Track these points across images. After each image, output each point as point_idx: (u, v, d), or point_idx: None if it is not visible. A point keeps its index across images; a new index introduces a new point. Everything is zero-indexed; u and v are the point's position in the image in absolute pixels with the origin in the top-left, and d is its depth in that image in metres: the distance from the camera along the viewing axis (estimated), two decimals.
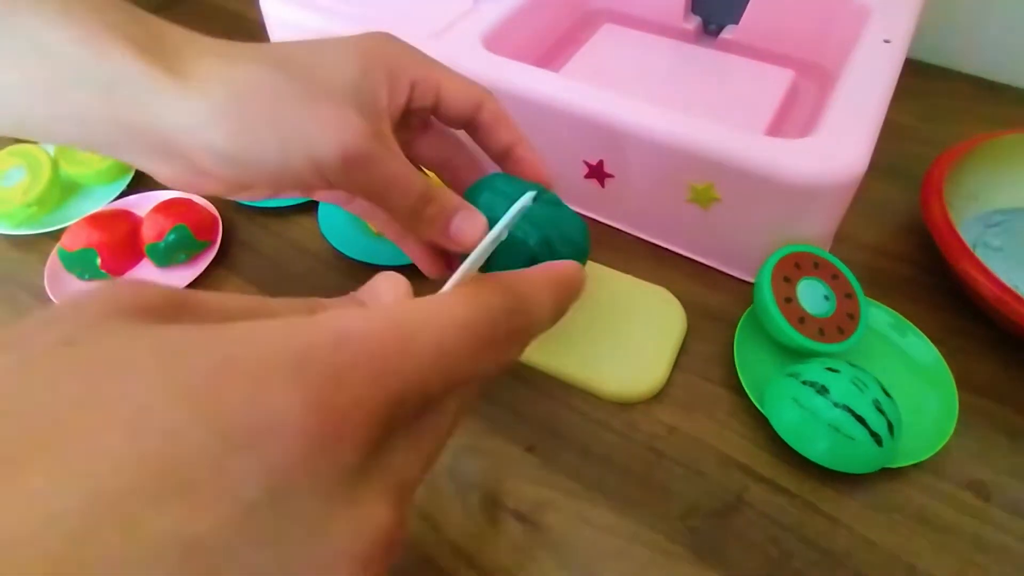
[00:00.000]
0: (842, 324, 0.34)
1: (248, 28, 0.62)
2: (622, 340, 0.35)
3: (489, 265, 0.27)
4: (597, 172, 0.40)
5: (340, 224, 0.42)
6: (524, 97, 0.39)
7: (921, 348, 0.35)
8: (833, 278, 0.35)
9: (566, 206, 0.28)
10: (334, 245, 0.40)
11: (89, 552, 0.09)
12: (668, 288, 0.38)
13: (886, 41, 0.40)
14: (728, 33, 0.51)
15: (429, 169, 0.30)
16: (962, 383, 0.33)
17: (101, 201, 0.45)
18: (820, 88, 0.48)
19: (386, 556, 0.12)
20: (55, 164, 0.45)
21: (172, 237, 0.39)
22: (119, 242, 0.40)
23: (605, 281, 0.38)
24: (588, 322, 0.36)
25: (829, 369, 0.31)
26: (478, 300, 0.15)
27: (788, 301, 0.33)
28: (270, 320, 0.12)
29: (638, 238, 0.42)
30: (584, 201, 0.43)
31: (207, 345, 0.11)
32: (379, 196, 0.24)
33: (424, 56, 0.27)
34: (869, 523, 0.30)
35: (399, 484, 0.13)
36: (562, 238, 0.26)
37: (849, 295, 0.35)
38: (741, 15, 0.50)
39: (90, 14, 0.22)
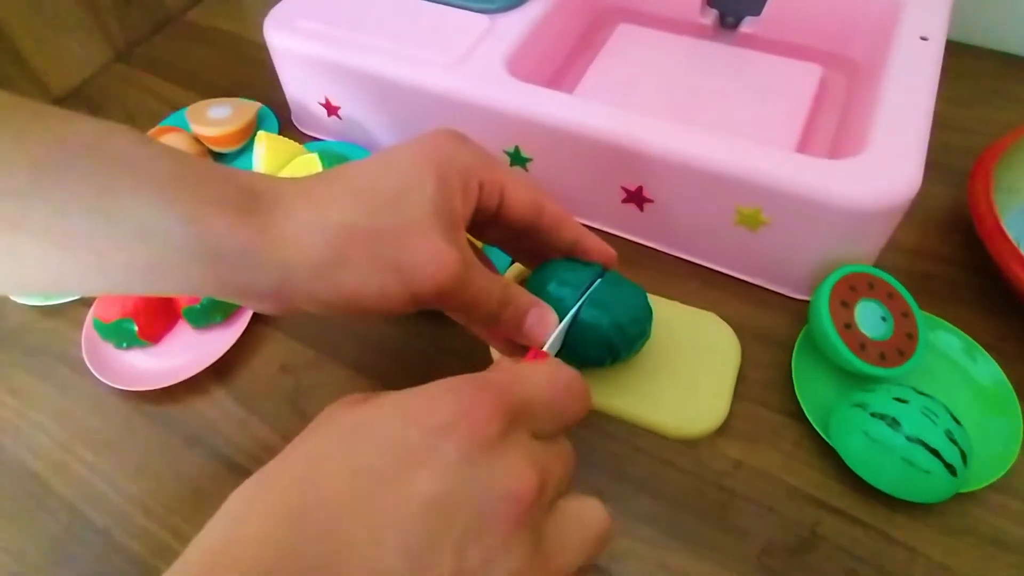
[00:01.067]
0: (901, 346, 0.33)
1: (250, 52, 0.59)
2: (679, 374, 0.35)
3: (571, 347, 0.28)
4: (636, 197, 0.39)
5: None
6: (558, 127, 0.38)
7: (987, 369, 0.34)
8: (889, 297, 0.35)
9: (627, 282, 0.30)
10: None
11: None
12: (715, 310, 0.38)
13: (923, 39, 0.39)
14: (748, 26, 0.50)
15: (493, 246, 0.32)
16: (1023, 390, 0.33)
17: None
18: (850, 81, 0.47)
19: (532, 509, 0.18)
20: None
21: (207, 298, 0.38)
22: (154, 308, 0.39)
23: (655, 309, 0.38)
24: (643, 356, 0.36)
25: (897, 399, 0.31)
26: (558, 368, 0.22)
27: (848, 328, 0.33)
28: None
29: (679, 258, 0.42)
30: (621, 224, 0.42)
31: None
32: (463, 310, 0.26)
33: (488, 157, 0.28)
34: (944, 549, 0.30)
35: (533, 457, 0.19)
36: (630, 319, 0.30)
37: (906, 314, 0.34)
38: (763, 6, 0.48)
39: (188, 191, 0.23)
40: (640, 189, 0.39)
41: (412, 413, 0.19)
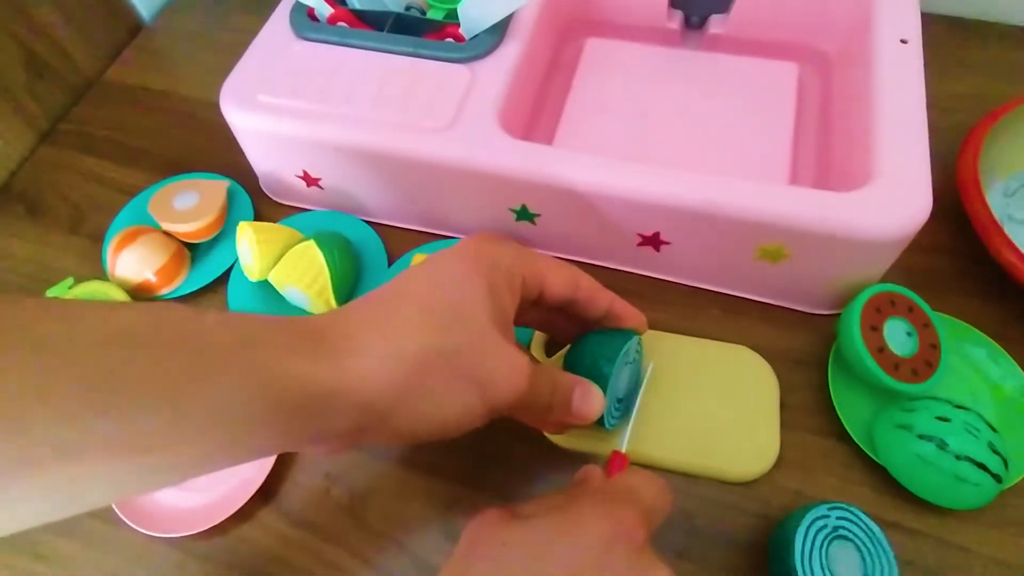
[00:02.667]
0: (928, 357, 0.35)
1: (193, 112, 0.54)
2: (725, 414, 0.36)
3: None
4: (652, 241, 0.39)
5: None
6: (566, 186, 0.37)
7: (1008, 368, 0.37)
8: (910, 311, 0.36)
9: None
10: None
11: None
12: (739, 336, 0.39)
13: (903, 41, 0.40)
14: (716, 27, 0.49)
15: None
16: None
17: None
18: (825, 73, 0.47)
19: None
20: None
21: None
22: None
23: (686, 352, 0.38)
24: (685, 400, 0.37)
25: (940, 419, 0.33)
26: (655, 478, 0.27)
27: (881, 352, 0.35)
28: None
29: (696, 288, 0.42)
30: (638, 263, 0.42)
31: None
32: (525, 408, 0.27)
33: (524, 252, 0.29)
34: (996, 544, 0.33)
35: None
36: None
37: (926, 324, 0.36)
38: (731, 4, 0.47)
39: (257, 356, 0.22)
40: (657, 235, 0.38)
41: (575, 532, 0.22)
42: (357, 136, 0.39)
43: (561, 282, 0.30)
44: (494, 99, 0.39)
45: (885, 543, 0.30)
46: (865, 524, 0.30)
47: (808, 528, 0.30)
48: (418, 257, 0.40)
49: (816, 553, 0.30)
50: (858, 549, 0.30)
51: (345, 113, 0.39)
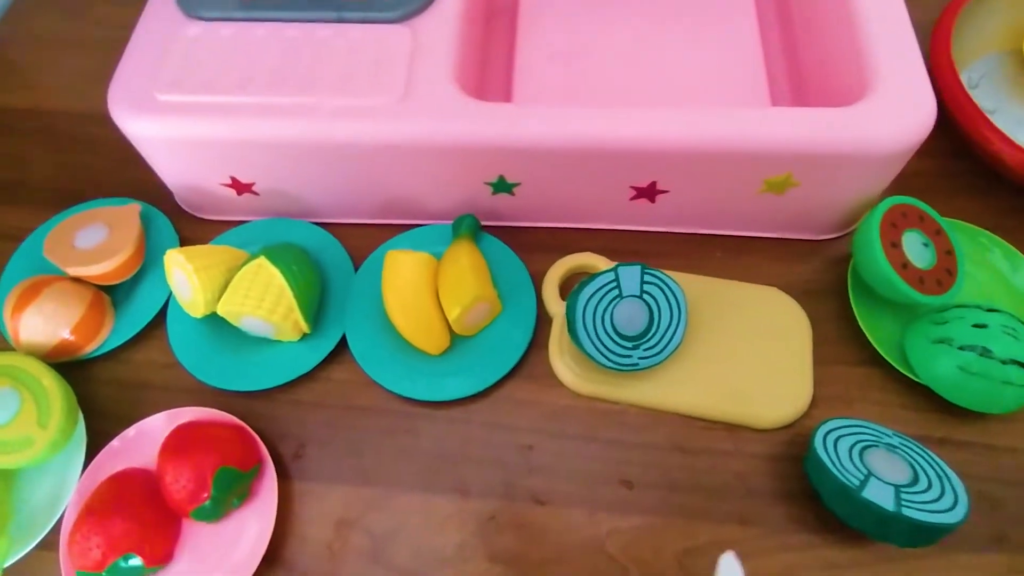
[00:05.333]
0: (947, 264, 0.34)
1: (67, 128, 0.45)
2: (757, 358, 0.34)
3: None
4: (647, 192, 0.36)
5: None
6: (553, 147, 0.33)
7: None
8: (921, 221, 0.35)
9: None
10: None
11: None
12: (746, 275, 0.37)
13: None
14: None
15: None
16: None
17: (66, 480, 0.33)
18: None
19: None
20: None
21: (218, 490, 0.30)
22: (150, 522, 0.30)
23: (714, 293, 0.36)
24: (716, 347, 0.34)
25: (976, 326, 0.32)
26: None
27: (905, 268, 0.33)
28: None
29: (694, 234, 0.39)
30: (629, 219, 0.38)
31: None
32: None
33: None
34: None
35: None
36: None
37: (938, 231, 0.35)
38: None
39: None
40: (653, 185, 0.35)
41: None
42: (294, 127, 0.33)
43: None
44: (445, 59, 0.34)
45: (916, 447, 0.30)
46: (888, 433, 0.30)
47: (825, 437, 0.30)
48: (393, 255, 0.35)
49: (845, 458, 0.29)
50: (895, 452, 0.30)
51: (273, 102, 0.33)
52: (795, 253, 0.38)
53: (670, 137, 0.32)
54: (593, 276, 0.32)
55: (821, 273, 0.37)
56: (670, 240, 0.39)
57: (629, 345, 0.32)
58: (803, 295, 0.36)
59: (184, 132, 0.33)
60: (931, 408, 0.33)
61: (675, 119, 0.32)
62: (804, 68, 0.40)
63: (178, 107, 0.33)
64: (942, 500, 0.28)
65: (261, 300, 0.33)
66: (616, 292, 0.32)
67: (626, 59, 0.41)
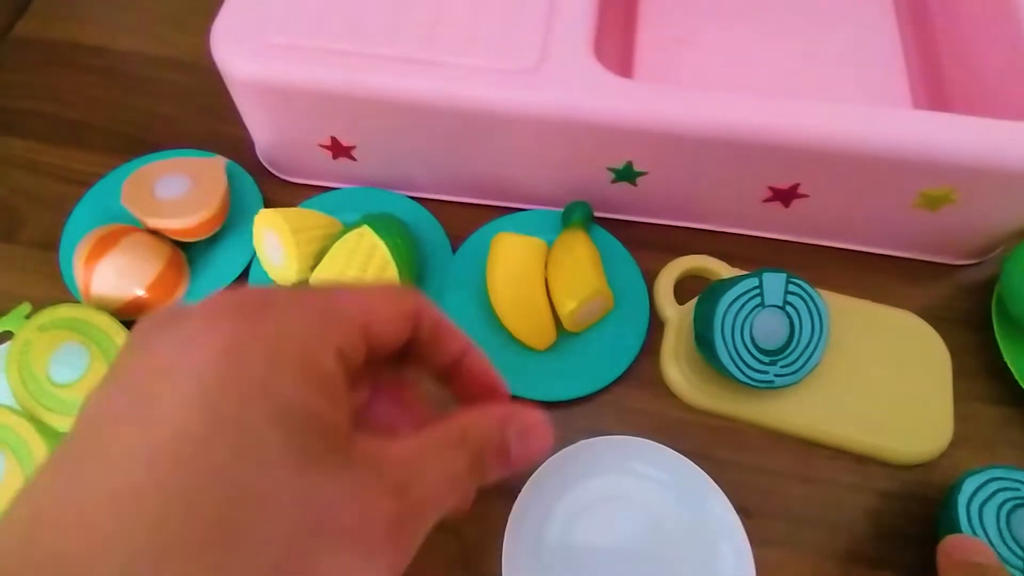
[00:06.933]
0: None
1: (141, 71, 0.42)
2: (895, 387, 0.31)
3: None
4: (785, 195, 0.33)
5: None
6: (695, 134, 0.30)
7: None
8: None
9: None
10: None
11: None
12: (873, 298, 0.34)
13: None
14: None
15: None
16: None
17: None
18: None
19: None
20: None
21: None
22: None
23: (849, 314, 0.33)
24: (852, 371, 0.31)
25: None
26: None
27: None
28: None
29: (817, 245, 0.36)
30: (754, 223, 0.35)
31: None
32: None
33: (319, 308, 0.16)
34: None
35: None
36: None
37: None
38: None
39: None
40: (795, 187, 0.32)
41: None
42: (414, 86, 0.30)
43: (394, 315, 0.18)
44: (584, 27, 0.31)
45: None
46: None
47: (972, 495, 0.27)
48: (503, 238, 0.32)
49: (991, 521, 0.26)
50: None
51: (396, 55, 0.30)
52: (928, 276, 0.35)
53: (830, 134, 0.29)
54: (731, 280, 0.29)
55: (957, 300, 0.35)
56: (792, 250, 0.36)
57: (767, 360, 0.29)
58: (937, 322, 0.34)
59: (295, 79, 0.30)
60: None
61: (836, 115, 0.29)
62: (945, 68, 0.37)
63: (291, 51, 0.30)
64: None
65: (362, 271, 0.30)
66: (758, 300, 0.29)
67: (754, 47, 0.38)
